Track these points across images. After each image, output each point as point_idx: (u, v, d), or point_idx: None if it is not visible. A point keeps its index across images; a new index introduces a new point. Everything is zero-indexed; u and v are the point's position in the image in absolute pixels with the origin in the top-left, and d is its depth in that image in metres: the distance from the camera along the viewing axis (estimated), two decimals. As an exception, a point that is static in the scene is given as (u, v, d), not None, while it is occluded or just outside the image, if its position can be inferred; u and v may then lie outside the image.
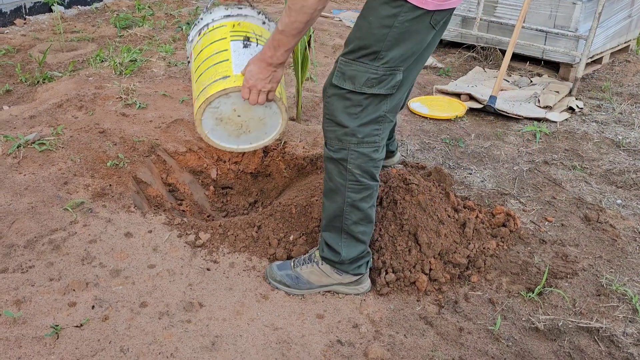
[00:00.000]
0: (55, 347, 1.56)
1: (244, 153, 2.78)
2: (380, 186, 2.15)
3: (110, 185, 2.35)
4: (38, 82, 3.49)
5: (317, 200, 2.17)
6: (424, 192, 2.14)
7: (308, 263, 1.88)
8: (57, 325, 1.62)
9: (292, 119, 3.22)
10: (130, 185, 2.39)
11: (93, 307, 1.71)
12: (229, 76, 1.72)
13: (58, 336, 1.59)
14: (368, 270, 1.89)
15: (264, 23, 1.99)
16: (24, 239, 1.97)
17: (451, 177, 2.48)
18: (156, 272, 1.89)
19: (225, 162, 2.81)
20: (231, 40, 1.83)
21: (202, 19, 1.96)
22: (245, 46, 1.82)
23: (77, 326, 1.63)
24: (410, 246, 2.01)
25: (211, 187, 2.71)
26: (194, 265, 1.95)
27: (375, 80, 1.56)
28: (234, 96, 1.73)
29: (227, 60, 1.77)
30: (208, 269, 1.95)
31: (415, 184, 2.16)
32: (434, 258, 2.01)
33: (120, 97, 3.07)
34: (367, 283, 1.91)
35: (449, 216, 2.17)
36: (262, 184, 2.74)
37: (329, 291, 1.90)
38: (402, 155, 2.85)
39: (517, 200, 2.53)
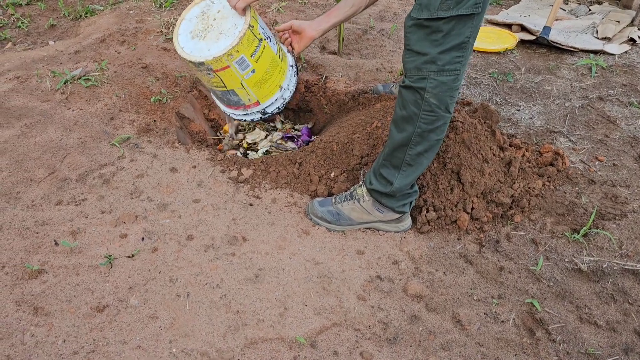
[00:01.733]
0: (110, 275, 1.65)
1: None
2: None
3: (154, 120, 2.39)
4: (80, 16, 3.50)
5: (358, 137, 2.14)
6: (469, 130, 2.08)
7: (349, 200, 1.89)
8: (110, 255, 1.70)
9: (333, 53, 3.15)
10: (174, 120, 2.42)
11: (143, 238, 1.79)
12: None
13: (112, 265, 1.68)
14: (410, 209, 1.89)
15: None
16: (75, 173, 2.05)
17: (498, 113, 2.38)
18: (201, 206, 1.95)
19: (266, 97, 2.79)
20: None
21: None
22: None
23: (128, 256, 1.72)
24: (453, 185, 1.99)
25: (252, 123, 2.72)
26: (237, 201, 1.99)
27: (450, 2, 1.46)
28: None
29: None
30: (251, 204, 1.99)
31: (460, 122, 2.10)
32: (477, 197, 1.99)
33: (161, 32, 3.05)
34: (407, 221, 1.91)
35: (494, 154, 2.11)
36: (303, 120, 2.73)
37: (369, 228, 1.92)
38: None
39: (567, 138, 2.43)
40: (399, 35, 3.36)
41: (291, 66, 2.09)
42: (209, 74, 1.85)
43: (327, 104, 2.62)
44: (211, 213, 1.93)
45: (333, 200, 1.93)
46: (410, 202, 1.87)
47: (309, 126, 2.65)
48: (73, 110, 2.39)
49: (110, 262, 1.69)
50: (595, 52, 3.17)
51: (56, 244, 1.74)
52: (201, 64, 1.83)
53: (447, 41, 1.53)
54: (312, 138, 2.56)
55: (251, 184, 2.09)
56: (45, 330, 1.47)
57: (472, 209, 1.97)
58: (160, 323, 1.51)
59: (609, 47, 3.18)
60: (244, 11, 1.83)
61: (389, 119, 2.19)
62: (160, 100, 2.50)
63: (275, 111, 2.10)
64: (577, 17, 3.68)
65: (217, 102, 2.19)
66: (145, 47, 2.91)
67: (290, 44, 2.07)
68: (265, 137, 2.53)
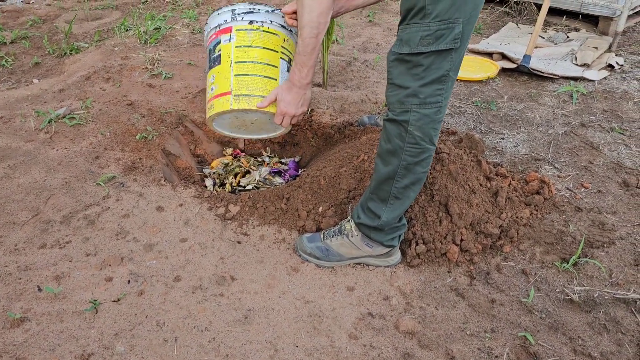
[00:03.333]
0: (95, 321, 1.61)
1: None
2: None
3: (140, 158, 2.37)
4: (65, 53, 3.51)
5: (345, 171, 2.14)
6: (455, 161, 2.09)
7: (338, 235, 1.88)
8: (95, 300, 1.67)
9: (318, 85, 3.17)
10: (160, 157, 2.41)
11: (129, 281, 1.76)
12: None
13: (97, 310, 1.65)
14: (399, 243, 1.88)
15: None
16: (60, 214, 2.02)
17: (483, 143, 2.41)
18: (188, 245, 1.92)
19: (252, 131, 2.79)
20: (280, 58, 1.97)
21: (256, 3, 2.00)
22: (287, 70, 1.98)
23: (114, 301, 1.68)
24: (441, 217, 1.98)
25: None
26: (224, 239, 1.97)
27: (429, 38, 1.50)
28: (263, 115, 1.96)
29: (276, 79, 1.94)
30: (239, 242, 1.97)
31: (446, 153, 2.11)
32: (465, 228, 1.98)
33: (146, 68, 3.06)
34: (397, 255, 1.90)
35: (480, 185, 2.12)
36: (290, 153, 2.73)
37: (359, 263, 1.90)
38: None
39: (552, 165, 2.45)
40: (382, 66, 3.41)
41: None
42: None
43: (314, 137, 2.63)
44: (198, 252, 1.90)
45: (322, 235, 1.92)
46: (399, 236, 1.87)
47: (296, 159, 2.65)
48: (57, 150, 2.37)
49: (95, 308, 1.65)
50: (575, 78, 3.24)
51: (39, 289, 1.70)
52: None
53: (427, 75, 1.56)
54: (300, 172, 2.56)
55: (239, 220, 2.07)
56: (27, 383, 1.42)
57: (462, 240, 1.96)
58: (147, 371, 1.47)
59: (589, 74, 3.25)
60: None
61: (375, 152, 2.19)
62: (145, 137, 2.49)
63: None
64: (556, 44, 3.77)
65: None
66: (130, 84, 2.91)
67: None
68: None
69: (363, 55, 3.59)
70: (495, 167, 2.36)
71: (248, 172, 2.50)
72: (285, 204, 2.11)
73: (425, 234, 1.96)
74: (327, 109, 2.81)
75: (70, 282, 1.74)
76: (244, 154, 2.73)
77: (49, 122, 2.52)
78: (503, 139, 2.67)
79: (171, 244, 1.92)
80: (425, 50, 1.52)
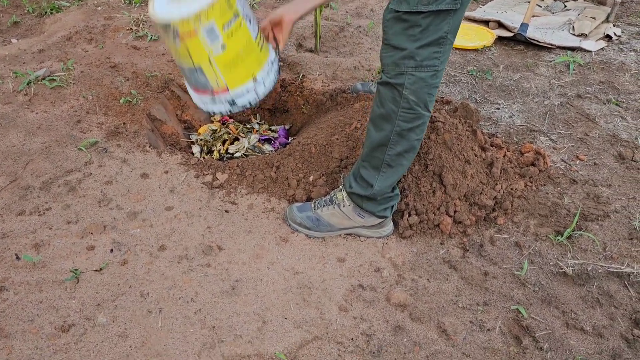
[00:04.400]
0: (76, 291, 1.55)
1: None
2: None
3: (124, 123, 2.28)
4: (45, 12, 3.35)
5: (337, 139, 2.08)
6: (450, 131, 2.03)
7: (329, 205, 1.83)
8: (76, 270, 1.61)
9: (310, 51, 3.07)
10: (145, 123, 2.32)
11: (112, 250, 1.70)
12: None
13: (78, 280, 1.59)
14: (391, 214, 1.83)
15: None
16: (39, 180, 1.94)
17: (478, 112, 2.35)
18: (174, 214, 1.86)
19: (241, 97, 2.70)
20: None
21: None
22: None
23: (96, 270, 1.62)
24: (435, 187, 1.93)
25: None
26: (212, 207, 1.91)
27: None
28: None
29: None
30: (226, 211, 1.90)
31: (441, 122, 2.05)
32: (459, 200, 1.94)
33: (131, 29, 2.93)
34: (389, 226, 1.85)
35: (475, 155, 2.07)
36: (280, 121, 2.65)
37: (350, 234, 1.86)
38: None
39: (547, 137, 2.40)
40: (376, 32, 3.30)
41: (271, 62, 1.94)
42: (175, 40, 1.71)
43: (305, 103, 2.55)
44: (185, 221, 1.84)
45: (312, 205, 1.86)
46: (392, 206, 1.82)
47: (286, 127, 2.57)
48: (37, 113, 2.27)
49: (76, 277, 1.59)
50: (572, 48, 3.16)
51: (17, 258, 1.63)
52: (167, 26, 1.68)
53: (424, 36, 1.48)
54: (290, 140, 2.48)
55: (227, 189, 2.01)
56: (4, 355, 1.36)
57: (455, 212, 1.92)
58: (130, 342, 1.42)
59: (586, 44, 3.17)
60: None
61: (367, 118, 2.13)
62: (130, 101, 2.39)
63: (247, 105, 1.94)
64: (553, 13, 3.68)
65: (187, 87, 2.01)
66: (114, 46, 2.79)
67: (275, 39, 1.91)
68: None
69: (356, 20, 3.48)
70: (490, 138, 2.31)
71: (237, 139, 2.42)
72: (275, 173, 2.05)
73: (419, 204, 1.91)
74: (319, 75, 2.72)
75: (50, 251, 1.67)
76: (232, 120, 2.65)
77: (28, 84, 2.40)
78: (498, 109, 2.61)
79: (156, 212, 1.86)
80: (425, 10, 1.44)
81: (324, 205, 1.84)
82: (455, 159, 1.99)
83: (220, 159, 2.36)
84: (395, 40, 1.51)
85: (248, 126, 2.57)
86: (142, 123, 2.31)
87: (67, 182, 1.93)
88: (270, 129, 2.58)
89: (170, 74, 2.62)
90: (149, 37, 2.85)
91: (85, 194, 1.90)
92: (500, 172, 2.06)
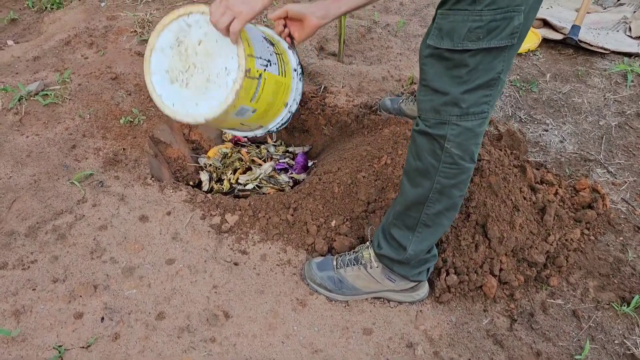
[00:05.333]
0: (59, 375, 1.33)
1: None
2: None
3: (123, 149, 2.03)
4: (46, 7, 3.09)
5: (364, 177, 1.80)
6: (497, 172, 1.74)
7: (354, 265, 1.57)
8: (60, 346, 1.38)
9: (332, 55, 2.77)
10: (147, 148, 2.07)
11: (102, 319, 1.47)
12: None
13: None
14: (427, 277, 1.56)
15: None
16: (25, 224, 1.71)
17: (526, 142, 2.05)
18: (175, 269, 1.62)
19: (255, 112, 2.42)
20: None
21: None
22: None
23: (83, 347, 1.40)
24: (478, 241, 1.66)
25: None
26: (219, 259, 1.66)
27: (480, 31, 1.14)
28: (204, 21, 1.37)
29: None
30: (236, 264, 1.66)
31: (486, 160, 1.76)
32: (506, 255, 1.66)
33: (135, 31, 2.66)
34: (424, 289, 1.59)
35: (524, 198, 1.78)
36: (298, 141, 2.37)
37: (378, 298, 1.60)
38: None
39: (604, 168, 2.09)
40: (406, 32, 2.98)
41: (294, 70, 1.66)
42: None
43: (327, 124, 2.26)
44: (187, 278, 1.60)
45: (334, 262, 1.60)
46: (428, 269, 1.55)
47: (305, 149, 2.30)
48: (27, 137, 2.03)
49: (60, 356, 1.37)
50: (629, 54, 2.80)
51: (-6, 329, 1.42)
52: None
53: (473, 78, 1.20)
54: (310, 164, 2.21)
55: (237, 234, 1.76)
56: None
57: (501, 270, 1.65)
58: None
59: (645, 49, 2.81)
60: (237, 39, 1.35)
61: (400, 153, 1.85)
62: (131, 121, 2.13)
63: (281, 127, 1.71)
64: (605, 8, 3.29)
65: None
66: (116, 52, 2.52)
67: (289, 35, 1.59)
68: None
69: (384, 17, 3.14)
70: (538, 170, 2.01)
71: (249, 168, 2.16)
72: (292, 215, 1.79)
73: (458, 261, 1.64)
74: (342, 87, 2.43)
75: (32, 320, 1.45)
76: (245, 139, 2.38)
77: (18, 100, 2.16)
78: (547, 130, 2.30)
79: (155, 267, 1.62)
80: (473, 47, 1.16)
81: (347, 265, 1.58)
82: (502, 206, 1.70)
83: (231, 189, 2.10)
84: (436, 83, 1.23)
85: (263, 147, 2.30)
86: (144, 148, 2.05)
87: (57, 228, 1.70)
88: (287, 151, 2.31)
89: (178, 86, 2.35)
90: (155, 41, 2.57)
91: (76, 242, 1.67)
92: (554, 219, 1.77)
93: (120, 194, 1.84)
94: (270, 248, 1.72)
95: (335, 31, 2.85)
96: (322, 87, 2.42)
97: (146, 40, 2.60)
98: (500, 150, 1.93)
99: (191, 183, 2.14)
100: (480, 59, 1.18)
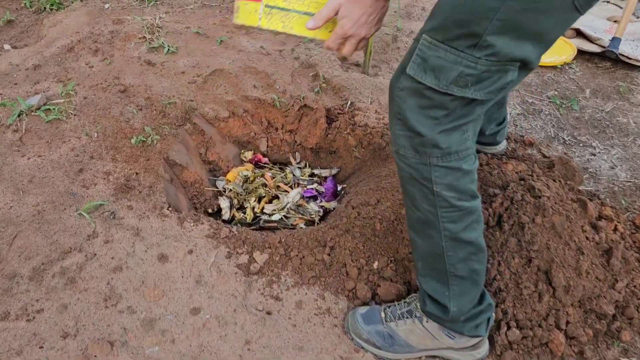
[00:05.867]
0: None
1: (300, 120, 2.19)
2: (497, 195, 1.59)
3: (136, 173, 1.83)
4: (45, 8, 2.86)
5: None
6: (559, 210, 1.56)
7: (407, 318, 1.38)
8: (74, 421, 1.19)
9: (356, 65, 2.58)
10: (162, 171, 1.87)
11: (121, 384, 1.27)
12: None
13: None
14: (488, 331, 1.38)
15: None
16: (29, 265, 1.50)
17: (581, 172, 1.87)
18: (202, 321, 1.42)
19: (277, 129, 2.23)
20: None
21: None
22: None
23: (100, 422, 1.20)
24: (541, 290, 1.48)
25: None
26: (249, 307, 1.47)
27: (470, 79, 1.01)
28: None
29: None
30: (268, 313, 1.47)
31: (547, 196, 1.58)
32: (572, 306, 1.49)
33: (144, 37, 2.44)
34: (485, 347, 1.41)
35: (587, 238, 1.60)
36: (325, 163, 2.18)
37: (434, 356, 1.41)
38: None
39: (662, 199, 1.93)
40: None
41: None
42: None
43: (357, 146, 2.07)
44: (216, 332, 1.41)
45: (382, 314, 1.42)
46: (487, 320, 1.37)
47: (333, 172, 2.11)
48: (28, 159, 1.82)
49: None
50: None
51: (-5, 399, 1.22)
52: None
53: (449, 120, 1.09)
54: (339, 188, 2.02)
55: (267, 275, 1.57)
56: None
57: (567, 322, 1.47)
58: None
59: (688, 63, 2.64)
60: None
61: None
62: (144, 141, 1.93)
63: None
64: (639, 18, 3.12)
65: None
66: (124, 60, 2.31)
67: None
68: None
69: (407, 24, 2.95)
70: (592, 200, 1.84)
71: (276, 197, 1.96)
72: (329, 255, 1.60)
73: (520, 313, 1.46)
74: (370, 102, 2.24)
75: (40, 387, 1.25)
76: (266, 159, 2.18)
77: (18, 116, 1.95)
78: (594, 155, 2.12)
79: (179, 318, 1.43)
80: (458, 94, 1.03)
81: (399, 318, 1.39)
82: (566, 249, 1.52)
83: (255, 221, 1.91)
84: (410, 120, 1.09)
85: (288, 170, 2.10)
86: (158, 172, 1.85)
87: (65, 270, 1.50)
88: (313, 174, 2.12)
89: (192, 100, 2.15)
90: (165, 49, 2.37)
91: (87, 286, 1.47)
92: (621, 263, 1.60)
93: (135, 228, 1.64)
94: (306, 294, 1.53)
95: (359, 39, 2.65)
96: (349, 102, 2.23)
97: (156, 48, 2.39)
98: (555, 181, 1.76)
99: (210, 210, 1.94)
100: (459, 104, 1.06)
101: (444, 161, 1.11)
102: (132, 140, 1.92)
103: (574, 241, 1.56)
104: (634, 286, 1.58)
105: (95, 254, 1.55)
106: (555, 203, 1.60)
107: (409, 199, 1.21)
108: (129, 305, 1.44)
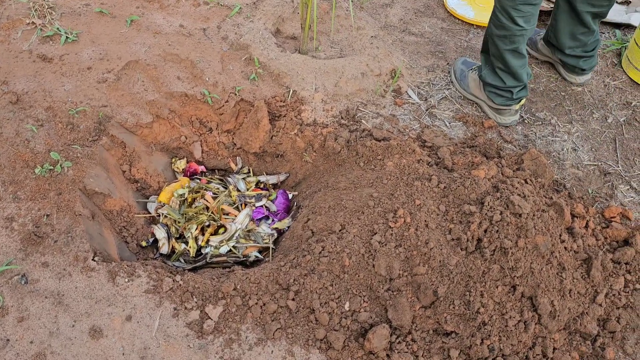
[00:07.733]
0: None
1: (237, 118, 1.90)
2: (473, 214, 1.44)
3: (47, 215, 1.50)
4: None
5: (380, 242, 1.43)
6: (542, 229, 1.43)
7: (476, 71, 1.99)
8: None
9: (292, 38, 2.27)
10: (79, 206, 1.54)
11: None
12: None
13: None
14: (518, 105, 1.93)
15: None
16: None
17: (552, 168, 1.75)
18: (155, 410, 1.20)
19: (212, 130, 1.93)
20: None
21: None
22: None
23: None
24: (527, 318, 1.37)
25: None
26: (209, 380, 1.26)
27: None
28: None
29: None
30: (233, 384, 1.27)
31: (527, 214, 1.43)
32: (558, 331, 1.40)
33: (33, 23, 1.99)
34: (509, 118, 1.94)
35: (566, 249, 1.50)
36: (271, 167, 1.92)
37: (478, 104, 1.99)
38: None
39: (627, 183, 1.86)
40: (373, 3, 2.50)
41: None
42: None
43: (307, 148, 1.82)
44: (174, 422, 1.19)
45: (471, 67, 2.03)
46: (509, 98, 1.88)
47: (281, 179, 1.86)
48: None
49: None
50: (618, 25, 2.52)
51: None
52: None
53: None
54: (291, 196, 1.79)
55: (225, 333, 1.35)
56: None
57: (554, 350, 1.38)
58: None
59: (636, 18, 2.53)
60: None
61: (418, 203, 1.49)
62: (51, 169, 1.58)
63: None
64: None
65: None
66: (11, 56, 1.87)
67: None
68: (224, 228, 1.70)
69: (344, -18, 2.62)
70: (558, 192, 1.74)
71: (221, 225, 1.70)
72: (293, 300, 1.40)
73: (506, 346, 1.36)
74: (315, 90, 1.98)
75: None
76: (202, 167, 1.89)
77: None
78: (556, 136, 2.00)
79: (126, 412, 1.19)
80: None
81: (474, 70, 2.00)
82: (549, 268, 1.41)
83: (199, 252, 1.65)
84: None
85: (230, 184, 1.82)
86: (75, 210, 1.53)
87: (-30, 369, 1.20)
88: (259, 182, 1.86)
89: (106, 105, 1.79)
90: (62, 37, 1.94)
91: (3, 386, 1.19)
92: (602, 273, 1.51)
93: (55, 292, 1.35)
94: (272, 352, 1.33)
95: (292, 7, 2.32)
96: (291, 91, 1.96)
97: (51, 37, 1.95)
98: (528, 183, 1.62)
99: (143, 243, 1.66)
100: None
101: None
102: (37, 170, 1.57)
103: (556, 257, 1.45)
104: (613, 295, 1.51)
105: (8, 340, 1.26)
106: (535, 216, 1.46)
107: None
108: (62, 405, 1.19)
